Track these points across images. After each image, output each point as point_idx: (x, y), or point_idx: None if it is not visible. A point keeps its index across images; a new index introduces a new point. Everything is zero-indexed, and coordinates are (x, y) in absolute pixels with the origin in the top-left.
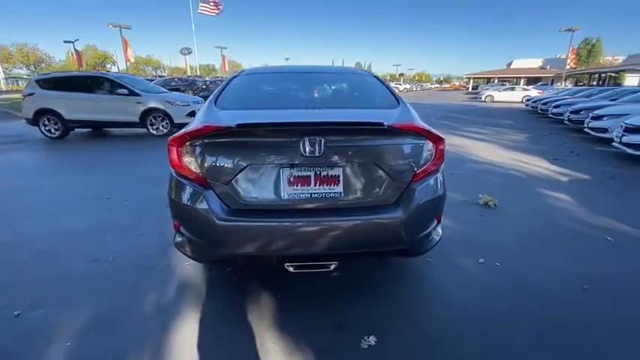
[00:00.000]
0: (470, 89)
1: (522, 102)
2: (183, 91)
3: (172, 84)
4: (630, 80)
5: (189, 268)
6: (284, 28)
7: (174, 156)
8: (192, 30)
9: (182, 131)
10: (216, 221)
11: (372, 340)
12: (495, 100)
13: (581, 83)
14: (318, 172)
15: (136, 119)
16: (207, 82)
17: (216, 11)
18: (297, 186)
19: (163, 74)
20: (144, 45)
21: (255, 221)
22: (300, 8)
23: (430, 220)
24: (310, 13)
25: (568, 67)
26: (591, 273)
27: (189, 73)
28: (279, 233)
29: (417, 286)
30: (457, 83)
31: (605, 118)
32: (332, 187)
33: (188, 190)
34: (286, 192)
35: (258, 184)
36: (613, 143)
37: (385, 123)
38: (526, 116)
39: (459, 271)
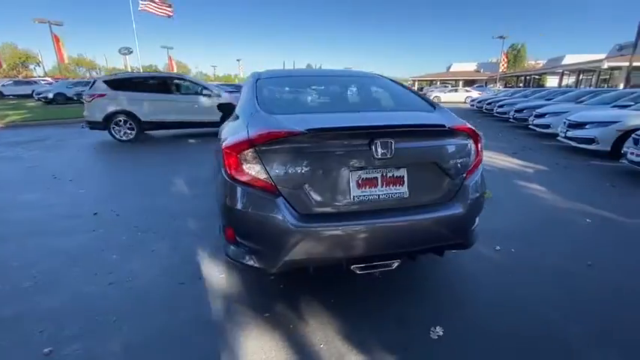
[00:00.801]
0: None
1: (465, 102)
2: None
3: None
4: (551, 82)
5: (226, 281)
6: (234, 29)
7: (234, 163)
8: (134, 28)
9: (241, 137)
10: (292, 228)
11: (440, 330)
12: (442, 100)
13: (510, 85)
14: (384, 174)
15: (217, 119)
16: None
17: (164, 11)
18: (365, 188)
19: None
20: (74, 44)
21: (328, 225)
22: (250, 9)
23: (479, 212)
24: (261, 14)
25: (501, 70)
26: (588, 251)
27: None
28: (351, 236)
29: (455, 275)
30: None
31: (547, 116)
32: (397, 187)
33: (254, 197)
34: (355, 194)
35: (328, 188)
36: (558, 138)
37: (446, 125)
38: (473, 115)
39: (484, 259)
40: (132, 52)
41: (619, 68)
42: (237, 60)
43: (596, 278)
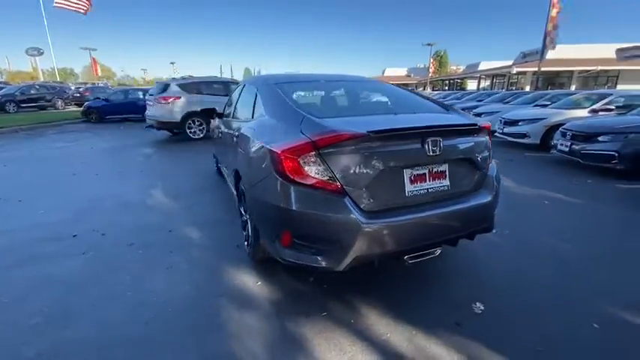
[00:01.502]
0: None
1: None
2: (49, 101)
3: (32, 92)
4: (470, 85)
5: (266, 288)
6: (165, 31)
7: (295, 166)
8: (45, 26)
9: (300, 141)
10: (361, 225)
11: (480, 305)
12: None
13: (437, 88)
14: (431, 169)
15: None
16: (82, 89)
17: (79, 6)
18: (417, 183)
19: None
20: None
21: (391, 220)
22: (184, 9)
23: (499, 199)
24: (194, 15)
25: (430, 74)
26: (560, 225)
27: (41, 79)
28: (410, 228)
29: (469, 258)
30: None
31: (483, 115)
32: (441, 180)
33: (321, 199)
34: (409, 190)
35: (386, 185)
36: (496, 134)
37: (477, 124)
38: None
39: (489, 242)
40: (42, 53)
41: (524, 73)
42: (171, 63)
43: (573, 249)
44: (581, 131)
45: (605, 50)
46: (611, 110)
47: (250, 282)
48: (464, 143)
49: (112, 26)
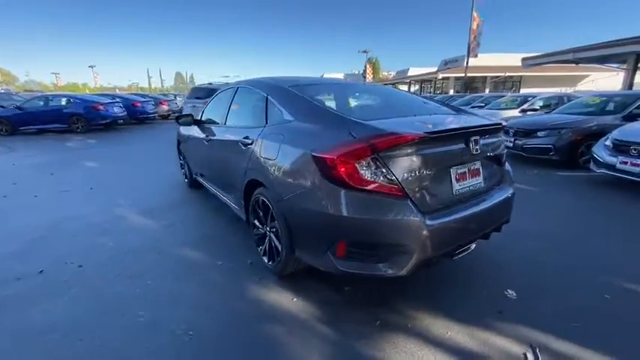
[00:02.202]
0: None
1: None
2: None
3: None
4: (402, 89)
5: (305, 302)
6: (82, 30)
7: (352, 171)
8: None
9: (354, 144)
10: (426, 227)
11: (512, 292)
12: None
13: None
14: (469, 168)
15: None
16: None
17: None
18: (461, 181)
19: None
20: None
21: (448, 219)
22: (104, 7)
23: None
24: (117, 16)
25: (368, 79)
26: (532, 210)
27: None
28: (461, 225)
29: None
30: None
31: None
32: (477, 177)
33: (383, 203)
34: (455, 188)
35: (439, 185)
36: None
37: (502, 123)
38: None
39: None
40: None
41: (448, 79)
42: (91, 66)
43: (555, 229)
44: (523, 128)
45: (511, 59)
46: (536, 110)
47: (285, 300)
48: (492, 141)
49: (13, 25)
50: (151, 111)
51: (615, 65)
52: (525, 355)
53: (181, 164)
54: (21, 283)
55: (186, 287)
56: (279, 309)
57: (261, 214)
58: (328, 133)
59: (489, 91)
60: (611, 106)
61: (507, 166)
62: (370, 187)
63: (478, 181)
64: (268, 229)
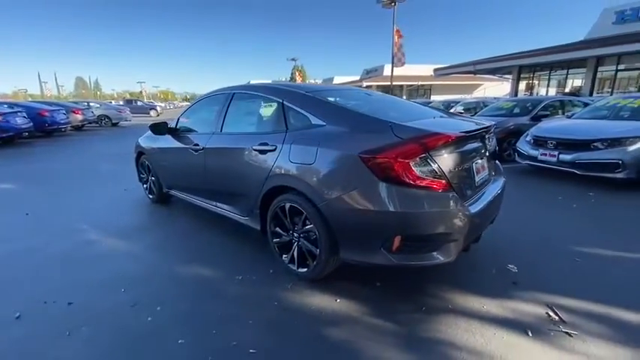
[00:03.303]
0: None
1: None
2: None
3: None
4: None
5: (350, 301)
6: None
7: (407, 169)
8: None
9: (410, 144)
10: (470, 216)
11: (513, 266)
12: None
13: None
14: (482, 162)
15: None
16: None
17: None
18: (479, 173)
19: None
20: None
21: (480, 208)
22: None
23: None
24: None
25: None
26: None
27: None
28: (486, 211)
29: None
30: None
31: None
32: (486, 170)
33: (436, 197)
34: (476, 179)
35: (468, 177)
36: None
37: (493, 124)
38: None
39: None
40: None
41: (371, 86)
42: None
43: (526, 211)
44: None
45: (423, 69)
46: (462, 113)
47: (328, 302)
48: (491, 139)
49: None
50: (63, 121)
51: (505, 75)
52: (548, 313)
53: (142, 179)
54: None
55: (219, 307)
56: (329, 312)
57: (286, 221)
58: (371, 135)
59: (406, 98)
60: (519, 109)
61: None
62: (423, 182)
63: (486, 173)
64: (297, 235)
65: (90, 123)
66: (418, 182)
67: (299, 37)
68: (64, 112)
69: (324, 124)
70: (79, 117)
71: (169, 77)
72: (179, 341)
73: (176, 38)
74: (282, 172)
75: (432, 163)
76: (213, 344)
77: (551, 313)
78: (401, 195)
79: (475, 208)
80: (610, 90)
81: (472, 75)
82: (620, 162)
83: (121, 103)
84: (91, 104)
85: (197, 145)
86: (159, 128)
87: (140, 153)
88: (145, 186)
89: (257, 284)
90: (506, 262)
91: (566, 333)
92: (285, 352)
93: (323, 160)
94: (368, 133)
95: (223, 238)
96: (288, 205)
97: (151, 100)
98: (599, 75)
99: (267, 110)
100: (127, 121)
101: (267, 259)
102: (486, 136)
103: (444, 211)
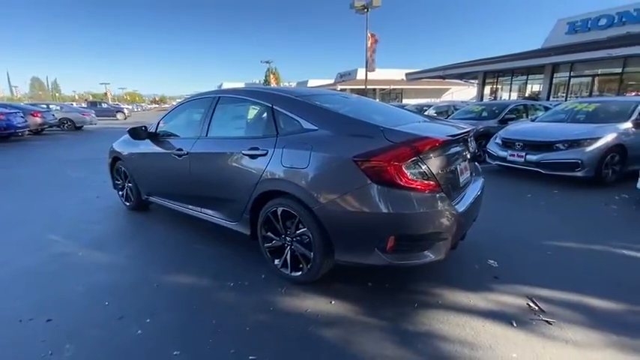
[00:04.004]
0: None
1: None
2: None
3: None
4: None
5: (345, 302)
6: None
7: (399, 171)
8: None
9: (402, 147)
10: (458, 215)
11: (493, 261)
12: None
13: None
14: (465, 164)
15: None
16: None
17: None
18: (462, 174)
19: None
20: None
21: (466, 207)
22: None
23: None
24: None
25: None
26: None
27: None
28: (472, 208)
29: None
30: (174, 103)
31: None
32: (468, 171)
33: (427, 198)
34: (460, 180)
35: (454, 178)
36: None
37: (474, 127)
38: None
39: None
40: None
41: (345, 90)
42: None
43: (498, 207)
44: None
45: (396, 74)
46: (436, 116)
47: (323, 305)
48: (472, 142)
49: None
50: (20, 125)
51: (471, 80)
52: (528, 304)
53: (118, 185)
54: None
55: (213, 315)
56: (325, 314)
57: (278, 225)
58: (364, 139)
59: (379, 101)
60: (487, 113)
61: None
62: (415, 184)
63: (469, 174)
64: (290, 239)
65: (51, 127)
66: (410, 184)
67: (273, 40)
68: (22, 115)
69: (316, 128)
70: (39, 120)
71: (136, 78)
72: (174, 353)
73: (143, 39)
74: (274, 176)
75: (422, 166)
76: (211, 353)
77: (531, 304)
78: (394, 197)
79: (461, 208)
80: (564, 95)
81: (441, 79)
82: (580, 162)
83: (84, 105)
84: (50, 106)
85: (180, 149)
86: (138, 133)
87: (115, 158)
88: (120, 193)
89: (250, 290)
90: (487, 258)
91: (546, 321)
92: (285, 356)
93: (317, 164)
94: (360, 137)
95: (208, 244)
96: (280, 210)
97: (117, 103)
98: (555, 81)
99: (256, 115)
100: (92, 124)
101: (257, 264)
102: (468, 139)
103: (435, 211)
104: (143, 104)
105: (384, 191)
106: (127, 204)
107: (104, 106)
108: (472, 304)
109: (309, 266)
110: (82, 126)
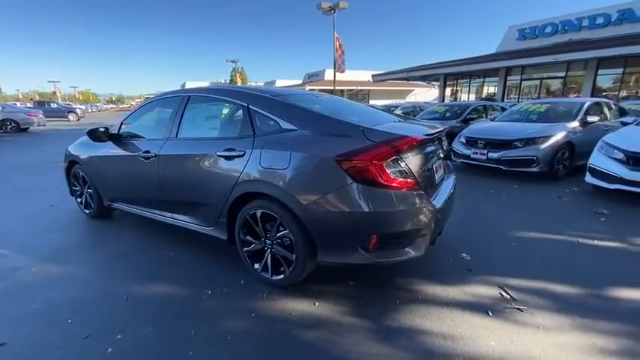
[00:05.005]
0: None
1: None
2: None
3: None
4: None
5: (326, 308)
6: None
7: (380, 170)
8: None
9: (382, 146)
10: (436, 210)
11: (465, 254)
12: None
13: None
14: (439, 162)
15: None
16: None
17: None
18: (437, 172)
19: None
20: None
21: (443, 203)
22: None
23: None
24: None
25: None
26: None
27: None
28: (447, 206)
29: None
30: (134, 103)
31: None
32: (442, 169)
33: (407, 196)
34: (436, 177)
35: (430, 176)
36: None
37: (447, 127)
38: None
39: None
40: None
41: (313, 90)
42: None
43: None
44: None
45: (363, 75)
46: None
47: (307, 307)
48: (444, 140)
49: None
50: None
51: (433, 82)
52: (501, 294)
53: (75, 191)
54: None
55: (192, 326)
56: (308, 316)
57: (257, 228)
58: (345, 139)
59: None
60: (450, 113)
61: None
62: (395, 183)
63: (442, 172)
64: (270, 242)
65: None
66: (391, 183)
67: (240, 39)
68: None
69: (296, 128)
70: None
71: (90, 77)
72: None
73: (100, 36)
74: (253, 177)
75: (401, 164)
76: None
77: (504, 293)
78: (376, 195)
79: (438, 204)
80: (517, 96)
81: (405, 81)
82: (535, 158)
83: (30, 105)
84: None
85: (148, 152)
86: (98, 134)
87: (72, 162)
88: (79, 200)
89: (229, 297)
90: (460, 252)
91: (518, 309)
92: None
93: (297, 165)
94: (341, 137)
95: (180, 251)
96: (259, 212)
97: (69, 102)
98: (508, 83)
99: (230, 114)
100: (40, 126)
101: (234, 270)
102: (442, 138)
103: (415, 208)
104: (98, 104)
105: (366, 190)
106: (87, 212)
107: (54, 106)
108: (450, 297)
109: (291, 269)
110: (29, 127)
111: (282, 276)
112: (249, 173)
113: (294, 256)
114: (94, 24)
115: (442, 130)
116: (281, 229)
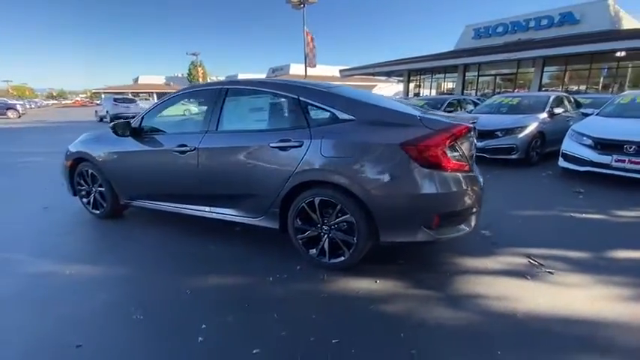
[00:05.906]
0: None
1: None
2: None
3: None
4: None
5: (390, 281)
6: None
7: (442, 155)
8: None
9: (442, 134)
10: (481, 189)
11: (487, 231)
12: None
13: None
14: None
15: None
16: None
17: None
18: (473, 156)
19: None
20: None
21: (482, 180)
22: None
23: None
24: None
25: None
26: None
27: None
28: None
29: None
30: (79, 99)
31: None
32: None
33: (466, 177)
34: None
35: (472, 158)
36: None
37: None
38: None
39: None
40: None
41: None
42: None
43: None
44: None
45: (330, 70)
46: None
47: (369, 285)
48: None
49: None
50: None
51: (398, 77)
52: (529, 261)
53: (81, 191)
54: None
55: (273, 310)
56: (376, 292)
57: (315, 215)
58: (406, 127)
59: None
60: (429, 107)
61: None
62: (455, 166)
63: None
64: (328, 227)
65: None
66: (452, 166)
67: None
68: None
69: (354, 118)
70: None
71: (25, 70)
72: (254, 351)
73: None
74: (313, 167)
75: (458, 150)
76: (293, 346)
77: (532, 261)
78: (440, 178)
79: (482, 182)
80: (474, 91)
81: (371, 76)
82: (515, 146)
83: None
84: None
85: (184, 145)
86: (122, 128)
87: (78, 160)
88: (85, 200)
89: (291, 282)
90: (479, 230)
91: (549, 272)
92: (360, 334)
93: (362, 152)
94: (401, 126)
95: (219, 244)
96: (317, 200)
97: (4, 98)
98: (466, 79)
99: (279, 107)
100: None
101: (285, 258)
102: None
103: (470, 188)
104: (37, 100)
105: (431, 174)
106: (97, 212)
107: None
108: (490, 267)
109: (351, 251)
110: None
111: (342, 258)
112: (309, 163)
113: (354, 238)
114: (37, 16)
115: (475, 122)
116: (340, 214)
